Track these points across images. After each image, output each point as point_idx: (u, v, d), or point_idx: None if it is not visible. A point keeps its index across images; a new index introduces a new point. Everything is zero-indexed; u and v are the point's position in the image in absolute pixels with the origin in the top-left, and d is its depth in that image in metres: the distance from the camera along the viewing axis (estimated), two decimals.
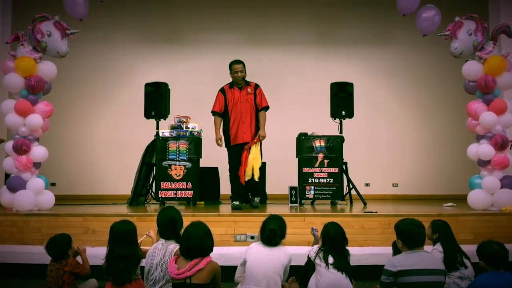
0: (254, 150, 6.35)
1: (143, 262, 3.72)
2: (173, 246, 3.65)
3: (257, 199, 6.47)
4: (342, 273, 3.62)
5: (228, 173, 6.59)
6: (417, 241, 3.42)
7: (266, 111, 6.55)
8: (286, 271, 3.74)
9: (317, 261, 3.69)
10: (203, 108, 7.29)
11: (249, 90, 6.50)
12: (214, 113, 6.60)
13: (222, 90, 6.59)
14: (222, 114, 6.56)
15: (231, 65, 6.49)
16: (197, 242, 3.38)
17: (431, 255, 3.58)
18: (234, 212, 5.90)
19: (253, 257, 3.71)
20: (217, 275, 3.41)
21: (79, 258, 4.01)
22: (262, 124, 6.48)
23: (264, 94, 6.59)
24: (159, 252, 3.64)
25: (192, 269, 3.30)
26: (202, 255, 3.38)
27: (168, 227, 3.76)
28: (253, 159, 6.32)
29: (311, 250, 3.85)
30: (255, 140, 6.40)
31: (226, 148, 6.64)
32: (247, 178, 6.32)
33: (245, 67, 6.48)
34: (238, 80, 6.45)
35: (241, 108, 6.45)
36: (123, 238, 3.58)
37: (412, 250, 3.39)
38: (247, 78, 6.57)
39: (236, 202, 6.33)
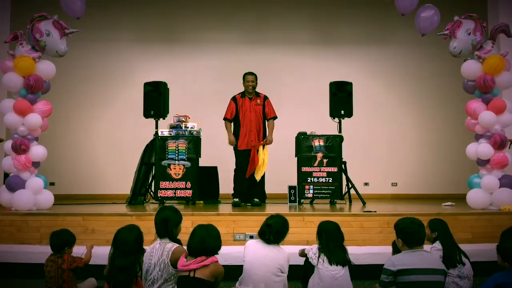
0: (263, 153, 6.68)
1: None
2: (171, 245, 3.66)
3: (256, 200, 6.64)
4: (343, 267, 3.63)
5: (233, 173, 6.89)
6: (417, 240, 3.41)
7: (274, 120, 6.93)
8: (284, 270, 3.72)
9: (320, 265, 3.66)
10: (202, 108, 7.32)
11: (258, 101, 6.92)
12: (225, 119, 6.94)
13: (234, 99, 6.96)
14: (232, 120, 6.93)
15: (245, 75, 6.95)
16: (198, 243, 3.49)
17: (431, 254, 3.57)
18: (234, 209, 6.02)
19: (250, 257, 3.73)
20: (219, 277, 3.48)
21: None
22: (270, 131, 6.90)
23: (272, 105, 6.96)
24: (156, 251, 3.66)
25: (198, 264, 3.39)
26: (206, 254, 3.46)
27: (161, 226, 3.81)
28: (262, 161, 6.64)
29: (309, 251, 3.83)
30: (262, 142, 6.72)
31: (233, 151, 6.94)
32: (257, 177, 6.63)
33: (257, 79, 6.88)
34: (249, 89, 6.85)
35: (250, 117, 6.82)
36: (125, 248, 3.55)
37: (412, 249, 3.39)
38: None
39: (236, 199, 6.63)
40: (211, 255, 3.48)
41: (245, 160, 6.73)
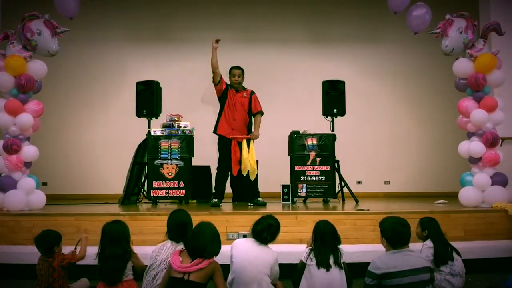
0: (249, 149, 6.50)
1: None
2: (182, 247, 3.66)
3: (260, 199, 6.54)
4: (335, 269, 3.59)
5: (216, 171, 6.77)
6: (401, 241, 3.37)
7: (261, 115, 6.83)
8: (273, 270, 3.70)
9: (308, 261, 3.64)
10: (195, 107, 7.30)
11: (245, 94, 6.79)
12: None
13: (226, 83, 6.84)
14: (219, 98, 6.85)
15: (231, 69, 6.82)
16: (202, 244, 3.42)
17: (414, 254, 3.46)
18: (213, 209, 5.89)
19: (241, 258, 3.67)
20: (216, 272, 3.42)
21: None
22: (257, 126, 6.76)
23: (259, 100, 6.85)
24: (167, 249, 3.68)
25: (195, 266, 3.33)
26: (205, 257, 3.40)
27: (178, 231, 3.78)
28: (248, 155, 6.46)
29: (304, 252, 3.79)
30: (247, 136, 6.57)
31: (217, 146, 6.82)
32: (245, 172, 6.48)
33: (243, 74, 6.79)
34: (235, 84, 6.75)
35: (235, 107, 6.68)
36: (114, 238, 3.60)
37: (396, 250, 3.36)
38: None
39: (215, 200, 6.47)
40: (209, 257, 3.42)
41: (228, 155, 6.60)
